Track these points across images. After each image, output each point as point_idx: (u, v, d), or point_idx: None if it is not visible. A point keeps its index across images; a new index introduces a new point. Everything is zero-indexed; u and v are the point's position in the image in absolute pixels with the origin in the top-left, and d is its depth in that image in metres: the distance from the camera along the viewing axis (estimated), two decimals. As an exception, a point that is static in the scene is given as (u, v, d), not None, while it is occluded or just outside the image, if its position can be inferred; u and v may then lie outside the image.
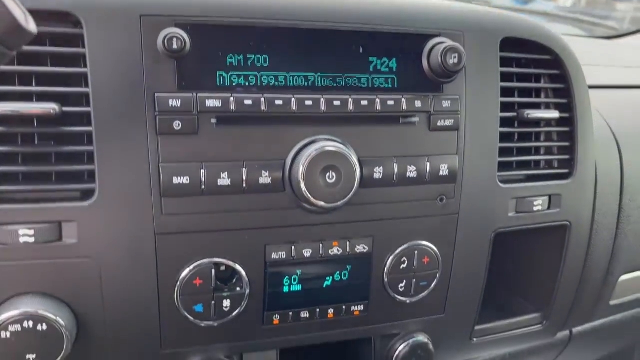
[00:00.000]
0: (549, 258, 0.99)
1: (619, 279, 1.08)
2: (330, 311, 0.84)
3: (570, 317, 1.06)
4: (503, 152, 0.89)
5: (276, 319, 0.81)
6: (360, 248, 0.82)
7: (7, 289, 0.69)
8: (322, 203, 0.74)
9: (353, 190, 0.75)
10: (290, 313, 0.81)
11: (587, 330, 1.16)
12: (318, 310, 0.83)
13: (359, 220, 0.81)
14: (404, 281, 0.85)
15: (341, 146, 0.75)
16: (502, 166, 0.89)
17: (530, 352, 1.11)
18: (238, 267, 0.76)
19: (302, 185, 0.73)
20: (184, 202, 0.72)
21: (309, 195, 0.73)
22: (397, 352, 0.89)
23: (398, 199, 0.82)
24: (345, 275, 0.83)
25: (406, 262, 0.84)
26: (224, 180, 0.73)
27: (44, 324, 0.68)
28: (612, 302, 1.11)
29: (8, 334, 0.67)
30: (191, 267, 0.74)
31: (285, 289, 0.80)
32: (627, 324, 1.21)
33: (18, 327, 0.67)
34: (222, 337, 0.80)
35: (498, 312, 1.02)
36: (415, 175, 0.81)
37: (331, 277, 0.82)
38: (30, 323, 0.68)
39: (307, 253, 0.79)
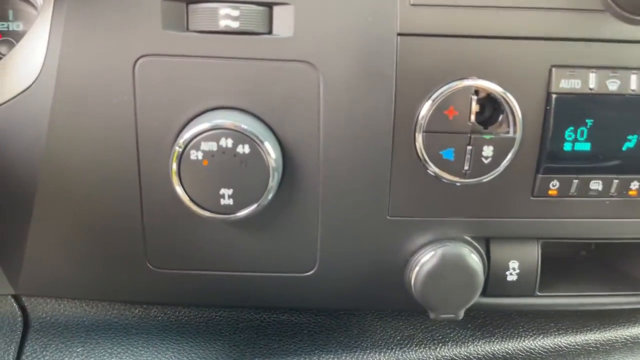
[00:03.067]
0: None
1: None
2: (635, 186, 0.56)
3: None
4: None
5: (554, 188, 0.55)
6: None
7: (200, 98, 0.51)
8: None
9: None
10: (576, 181, 0.55)
11: None
12: (616, 181, 0.55)
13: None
14: None
15: None
16: None
17: None
18: (509, 97, 0.51)
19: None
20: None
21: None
22: None
23: None
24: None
25: None
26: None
27: (246, 146, 0.49)
28: None
29: (199, 155, 0.49)
30: (445, 87, 0.51)
31: (567, 146, 0.54)
32: None
33: (212, 145, 0.49)
34: (470, 207, 0.56)
35: None
36: None
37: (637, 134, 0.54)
38: (229, 141, 0.49)
39: (612, 85, 0.52)
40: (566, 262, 0.69)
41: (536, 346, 0.64)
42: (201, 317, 0.62)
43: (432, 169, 0.53)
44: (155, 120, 0.51)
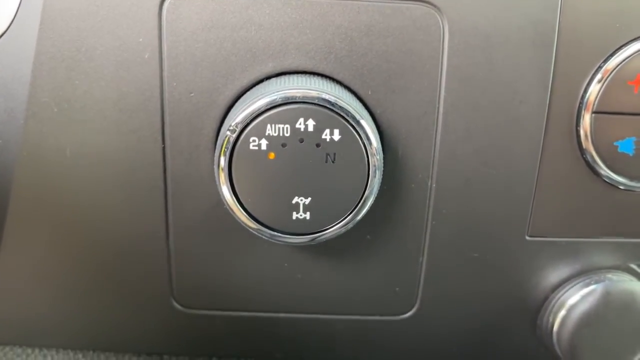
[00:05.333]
0: None
1: None
2: None
3: None
4: None
5: None
6: None
7: (260, 57, 0.33)
8: None
9: None
10: None
11: None
12: None
13: None
14: None
15: None
16: None
17: None
18: None
19: None
20: None
21: None
22: None
23: None
24: None
25: None
26: None
27: (336, 130, 0.32)
28: None
29: (263, 144, 0.32)
30: (631, 45, 0.34)
31: None
32: None
33: (284, 129, 0.32)
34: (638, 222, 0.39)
35: None
36: None
37: None
38: (310, 123, 0.32)
39: None
40: None
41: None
42: (246, 373, 0.45)
43: (600, 167, 0.36)
44: (191, 90, 0.34)
